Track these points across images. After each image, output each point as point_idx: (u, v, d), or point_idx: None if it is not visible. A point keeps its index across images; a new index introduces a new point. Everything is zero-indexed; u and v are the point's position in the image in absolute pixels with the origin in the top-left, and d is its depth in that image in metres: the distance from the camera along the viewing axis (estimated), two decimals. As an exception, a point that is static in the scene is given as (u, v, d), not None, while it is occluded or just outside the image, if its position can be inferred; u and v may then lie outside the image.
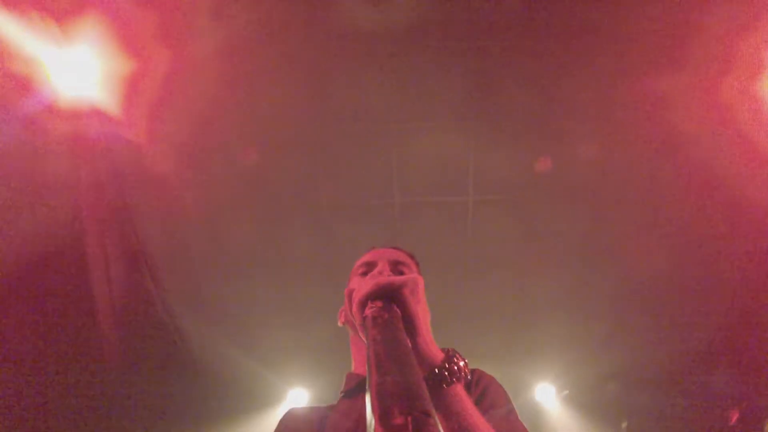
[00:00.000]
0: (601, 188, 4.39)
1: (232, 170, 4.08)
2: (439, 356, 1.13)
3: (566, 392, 5.96)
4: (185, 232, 4.44)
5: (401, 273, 1.55)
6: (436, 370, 1.09)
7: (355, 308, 1.15)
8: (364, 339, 1.05)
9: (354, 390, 1.46)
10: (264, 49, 3.54)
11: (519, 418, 1.31)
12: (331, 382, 5.94)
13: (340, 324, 1.55)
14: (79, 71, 3.32)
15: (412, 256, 1.70)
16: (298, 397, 6.24)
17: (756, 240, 4.38)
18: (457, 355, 1.13)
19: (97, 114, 3.48)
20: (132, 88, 3.50)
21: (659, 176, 4.20)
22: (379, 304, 1.10)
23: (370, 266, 1.58)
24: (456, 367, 1.10)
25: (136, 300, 4.48)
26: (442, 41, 3.58)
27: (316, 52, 3.58)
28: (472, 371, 1.30)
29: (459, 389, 1.09)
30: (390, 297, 1.13)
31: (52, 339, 3.99)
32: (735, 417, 5.26)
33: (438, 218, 4.48)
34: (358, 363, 1.57)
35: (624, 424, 5.33)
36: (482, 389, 1.33)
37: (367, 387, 0.78)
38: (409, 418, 0.65)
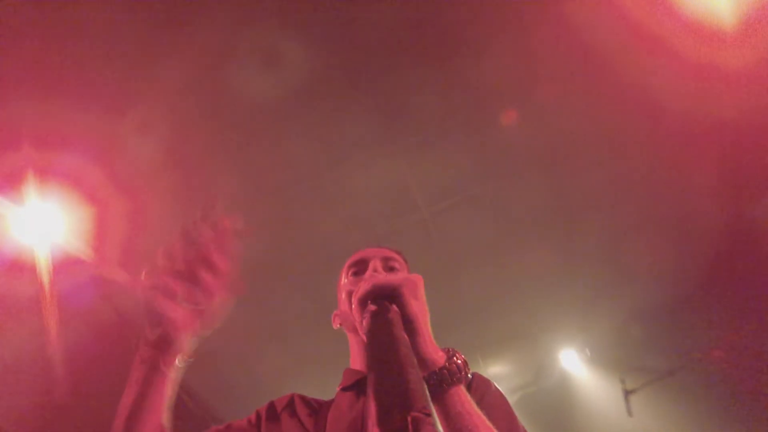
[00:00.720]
0: (549, 148, 4.35)
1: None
2: (440, 356, 1.12)
3: (588, 352, 6.00)
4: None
5: (392, 269, 1.56)
6: (437, 370, 1.08)
7: (354, 308, 1.16)
8: (363, 338, 1.05)
9: (353, 385, 1.44)
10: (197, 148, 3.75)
11: (518, 420, 1.30)
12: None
13: (335, 327, 1.57)
14: (38, 225, 3.46)
15: (399, 252, 1.70)
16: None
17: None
18: (457, 355, 1.13)
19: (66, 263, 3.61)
20: (94, 233, 3.69)
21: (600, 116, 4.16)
22: (378, 303, 1.10)
23: (361, 264, 1.58)
24: (456, 367, 1.09)
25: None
26: (343, 86, 3.70)
27: (237, 130, 3.76)
28: (471, 374, 1.30)
29: (459, 389, 1.08)
30: (390, 296, 1.13)
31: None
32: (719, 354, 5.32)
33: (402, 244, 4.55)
34: (356, 359, 1.56)
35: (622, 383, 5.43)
36: (481, 393, 1.33)
37: (367, 387, 0.78)
38: (409, 418, 0.65)
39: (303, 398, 1.50)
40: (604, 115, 4.18)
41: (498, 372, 6.17)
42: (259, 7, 3.36)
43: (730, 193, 4.80)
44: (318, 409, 1.44)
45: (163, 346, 1.14)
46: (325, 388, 1.62)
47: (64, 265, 3.63)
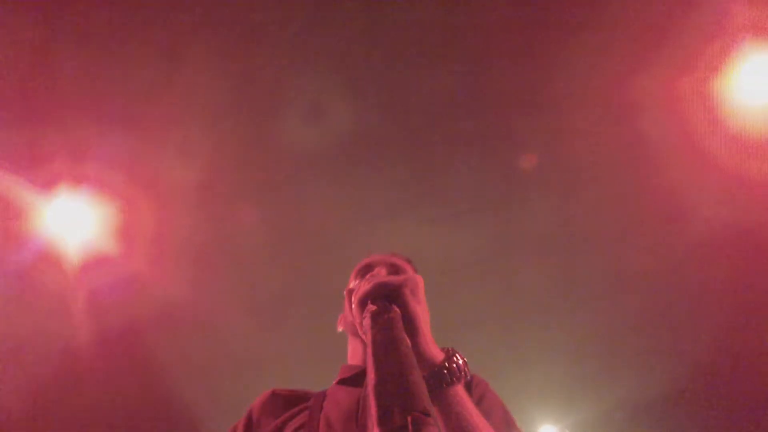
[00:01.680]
0: (572, 237, 4.53)
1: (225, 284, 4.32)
2: (440, 356, 1.12)
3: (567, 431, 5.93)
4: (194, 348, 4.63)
5: (398, 275, 1.48)
6: (437, 370, 1.09)
7: (355, 308, 1.15)
8: (363, 338, 1.06)
9: (350, 378, 1.43)
10: (229, 177, 3.87)
11: (515, 422, 1.31)
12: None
13: (339, 330, 1.56)
14: (70, 222, 3.56)
15: (409, 261, 1.69)
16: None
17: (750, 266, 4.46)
18: (458, 355, 1.13)
19: (93, 261, 3.72)
20: (124, 231, 3.79)
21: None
22: (379, 303, 1.10)
23: (367, 269, 1.56)
24: (456, 367, 1.10)
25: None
26: (383, 148, 3.86)
27: (276, 176, 3.91)
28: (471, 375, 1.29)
29: (459, 389, 1.08)
30: (390, 296, 1.13)
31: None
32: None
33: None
34: (354, 354, 1.55)
35: None
36: (480, 395, 1.33)
37: (367, 387, 0.78)
38: (409, 418, 0.65)
39: (283, 393, 1.47)
40: (620, 208, 4.36)
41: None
42: (312, 59, 3.51)
43: (737, 302, 4.84)
44: (305, 399, 1.41)
45: None
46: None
47: (93, 261, 3.74)
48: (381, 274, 1.41)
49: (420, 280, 1.22)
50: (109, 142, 3.48)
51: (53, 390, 3.96)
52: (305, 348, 4.64)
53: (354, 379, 1.41)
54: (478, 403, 1.19)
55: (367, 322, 1.05)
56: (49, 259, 3.63)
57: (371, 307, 1.09)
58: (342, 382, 1.43)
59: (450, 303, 4.69)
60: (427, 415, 0.66)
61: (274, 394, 1.47)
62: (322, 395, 1.40)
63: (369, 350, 0.90)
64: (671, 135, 3.83)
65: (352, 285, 1.56)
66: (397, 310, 1.09)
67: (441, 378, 1.08)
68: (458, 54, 3.52)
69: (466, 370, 1.12)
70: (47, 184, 3.48)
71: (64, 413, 4.11)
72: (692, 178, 4.04)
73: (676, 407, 5.59)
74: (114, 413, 4.29)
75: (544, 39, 3.44)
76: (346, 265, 4.60)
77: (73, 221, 3.54)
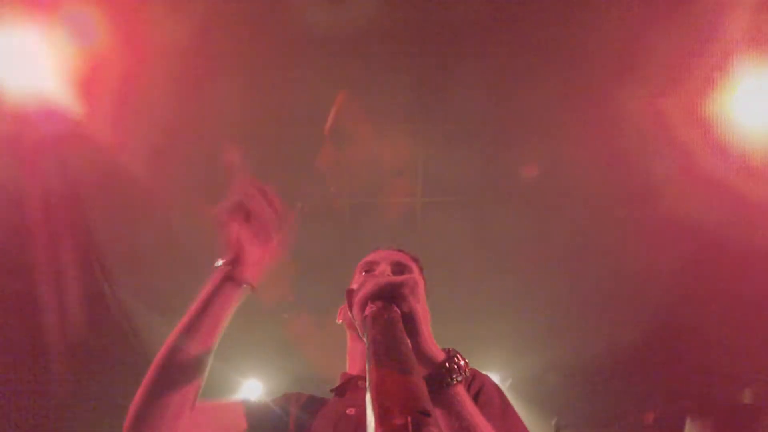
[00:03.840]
0: (548, 194, 4.51)
1: (188, 167, 3.99)
2: (440, 356, 1.13)
3: (510, 381, 6.16)
4: (137, 228, 4.33)
5: (402, 274, 1.53)
6: (437, 370, 1.09)
7: (355, 308, 1.15)
8: (363, 339, 1.05)
9: (340, 388, 1.49)
10: (220, 48, 3.47)
11: (518, 416, 1.33)
12: (285, 373, 6.13)
13: (338, 321, 1.58)
14: (23, 62, 3.00)
15: (415, 259, 1.70)
16: (252, 388, 6.29)
17: (692, 254, 4.54)
18: (458, 355, 1.13)
19: (45, 110, 3.22)
20: (85, 82, 3.29)
21: (605, 187, 4.31)
22: (379, 303, 1.10)
23: (372, 266, 1.59)
24: (456, 367, 1.10)
25: (90, 300, 4.30)
26: (395, 44, 3.58)
27: (269, 54, 3.53)
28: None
29: (459, 389, 1.09)
30: (390, 297, 1.12)
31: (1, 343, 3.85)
32: (651, 417, 5.60)
33: (387, 220, 4.54)
34: (352, 363, 1.58)
35: (554, 421, 5.50)
36: (477, 388, 1.34)
37: (367, 387, 0.77)
38: (409, 418, 0.64)
39: (297, 398, 1.53)
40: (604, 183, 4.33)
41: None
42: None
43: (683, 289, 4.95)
44: (310, 408, 1.48)
45: (236, 264, 1.31)
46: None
47: (46, 112, 3.25)
48: (386, 273, 1.48)
49: (420, 281, 1.24)
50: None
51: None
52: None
53: (340, 390, 1.49)
54: (476, 397, 1.21)
55: (367, 322, 1.06)
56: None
57: (371, 308, 1.10)
58: (336, 392, 1.51)
59: (424, 231, 4.69)
60: (427, 415, 0.66)
61: (288, 399, 1.54)
62: (322, 404, 1.48)
63: (369, 350, 0.90)
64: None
65: (355, 280, 1.58)
66: (397, 310, 1.10)
67: (441, 378, 1.09)
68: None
69: (467, 370, 1.12)
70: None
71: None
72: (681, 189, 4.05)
73: (609, 374, 5.81)
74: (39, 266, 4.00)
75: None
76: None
77: (25, 57, 2.97)
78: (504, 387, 6.18)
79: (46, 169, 3.52)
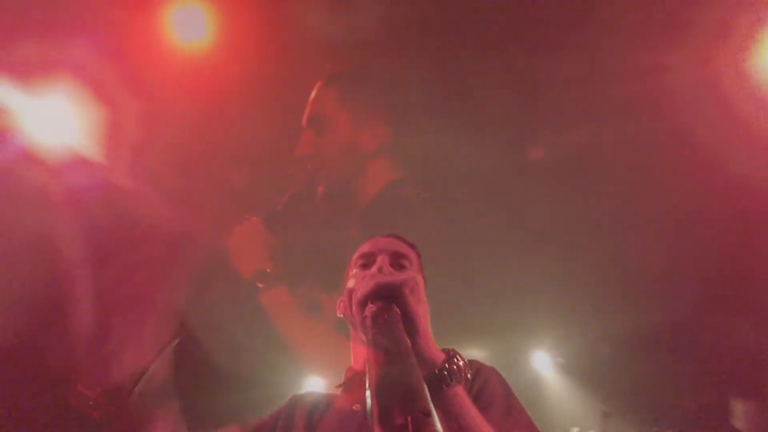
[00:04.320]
0: (587, 170, 4.48)
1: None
2: (440, 356, 1.14)
3: (560, 359, 6.15)
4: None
5: (402, 266, 1.50)
6: (437, 371, 1.10)
7: (355, 308, 1.17)
8: (364, 338, 1.07)
9: (345, 384, 1.47)
10: (234, 73, 3.64)
11: (522, 408, 1.33)
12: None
13: (338, 315, 1.55)
14: (53, 119, 3.24)
15: (413, 246, 1.66)
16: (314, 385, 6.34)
17: (745, 227, 4.46)
18: (458, 356, 1.15)
19: (76, 161, 3.39)
20: (110, 133, 3.48)
21: (648, 154, 4.22)
22: (379, 304, 1.11)
23: (369, 258, 1.53)
24: (456, 368, 1.11)
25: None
26: (411, 43, 3.67)
27: (284, 66, 3.68)
28: (470, 363, 1.29)
29: (459, 389, 1.10)
30: (390, 297, 1.13)
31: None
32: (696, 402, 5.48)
33: (426, 212, 4.57)
34: (356, 358, 1.56)
35: (602, 408, 5.48)
36: (482, 382, 1.34)
37: (367, 387, 0.79)
38: (409, 418, 0.65)
39: (302, 399, 1.54)
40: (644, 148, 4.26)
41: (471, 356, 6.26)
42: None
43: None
44: (320, 404, 1.48)
45: None
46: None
47: (72, 165, 3.37)
48: (384, 267, 1.43)
49: (420, 280, 1.23)
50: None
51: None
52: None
53: (346, 384, 1.46)
54: (479, 393, 1.23)
55: (367, 322, 1.06)
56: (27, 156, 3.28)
57: (371, 308, 1.10)
58: (343, 388, 1.48)
59: (460, 218, 4.68)
60: (427, 415, 0.67)
61: (295, 402, 1.55)
62: (329, 401, 1.47)
63: (369, 350, 0.91)
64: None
65: (351, 271, 1.53)
66: (397, 310, 1.10)
67: (441, 378, 1.09)
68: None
69: (466, 370, 1.14)
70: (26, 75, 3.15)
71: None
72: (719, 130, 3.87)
73: (660, 346, 5.67)
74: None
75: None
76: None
77: (54, 118, 3.25)
78: (554, 365, 6.21)
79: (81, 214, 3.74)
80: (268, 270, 3.61)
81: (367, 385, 0.79)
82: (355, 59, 3.78)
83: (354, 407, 1.34)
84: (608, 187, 4.59)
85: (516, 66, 3.73)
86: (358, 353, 1.54)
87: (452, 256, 4.95)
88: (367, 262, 1.51)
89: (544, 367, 6.23)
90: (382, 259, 1.47)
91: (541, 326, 5.94)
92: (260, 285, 3.60)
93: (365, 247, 1.59)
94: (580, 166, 4.49)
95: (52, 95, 3.23)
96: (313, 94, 3.80)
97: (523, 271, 5.29)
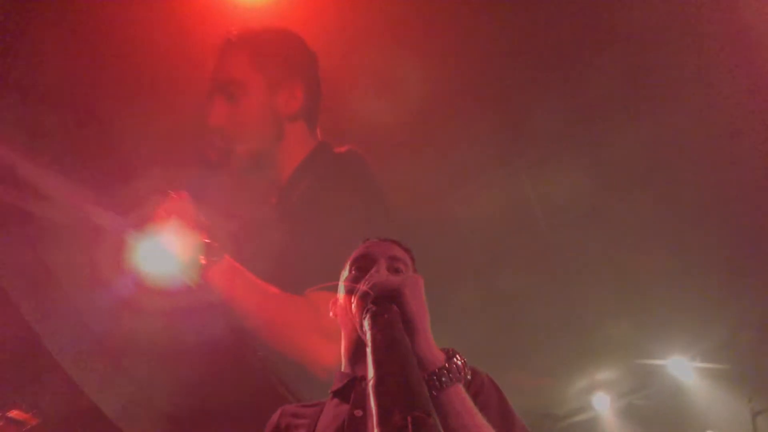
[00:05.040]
0: (663, 160, 4.29)
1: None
2: (439, 356, 1.13)
3: (697, 361, 5.75)
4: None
5: (398, 270, 1.48)
6: (437, 371, 1.09)
7: (355, 308, 1.17)
8: (363, 339, 1.06)
9: (340, 390, 1.41)
10: None
11: (516, 414, 1.29)
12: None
13: (330, 315, 1.53)
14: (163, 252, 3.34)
15: (407, 250, 1.62)
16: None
17: None
18: (457, 355, 1.14)
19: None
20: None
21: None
22: (378, 303, 1.11)
23: (365, 261, 1.50)
24: (456, 367, 1.11)
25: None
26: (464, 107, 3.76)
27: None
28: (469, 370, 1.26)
29: (459, 389, 1.09)
30: (390, 297, 1.13)
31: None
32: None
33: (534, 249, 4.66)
34: (347, 362, 1.49)
35: (751, 404, 4.94)
36: (477, 388, 1.30)
37: (367, 387, 0.79)
38: (409, 418, 0.66)
39: (292, 410, 1.47)
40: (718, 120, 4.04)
41: (605, 377, 6.01)
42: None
43: None
44: (310, 415, 1.41)
45: None
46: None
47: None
48: (381, 270, 1.41)
49: (420, 280, 1.23)
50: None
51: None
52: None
53: (342, 390, 1.40)
54: (474, 398, 1.18)
55: (367, 322, 1.06)
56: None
57: (371, 308, 1.10)
58: (336, 393, 1.43)
59: (561, 248, 4.68)
60: (427, 415, 0.67)
61: (283, 414, 1.48)
62: (320, 409, 1.42)
63: (369, 351, 0.91)
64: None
65: (348, 277, 1.51)
66: (397, 310, 1.10)
67: (440, 378, 1.09)
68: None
69: (466, 370, 1.14)
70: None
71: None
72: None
73: None
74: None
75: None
76: (452, 235, 4.35)
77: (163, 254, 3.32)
78: (692, 367, 5.78)
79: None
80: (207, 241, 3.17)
81: (367, 386, 0.80)
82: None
83: (356, 413, 1.29)
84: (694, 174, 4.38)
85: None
86: (349, 357, 1.46)
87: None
88: (364, 265, 1.48)
89: (682, 373, 5.85)
90: (379, 263, 1.46)
91: (672, 329, 5.61)
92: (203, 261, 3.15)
93: (361, 252, 1.55)
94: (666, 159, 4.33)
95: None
96: (216, 60, 3.54)
97: (642, 280, 5.10)
